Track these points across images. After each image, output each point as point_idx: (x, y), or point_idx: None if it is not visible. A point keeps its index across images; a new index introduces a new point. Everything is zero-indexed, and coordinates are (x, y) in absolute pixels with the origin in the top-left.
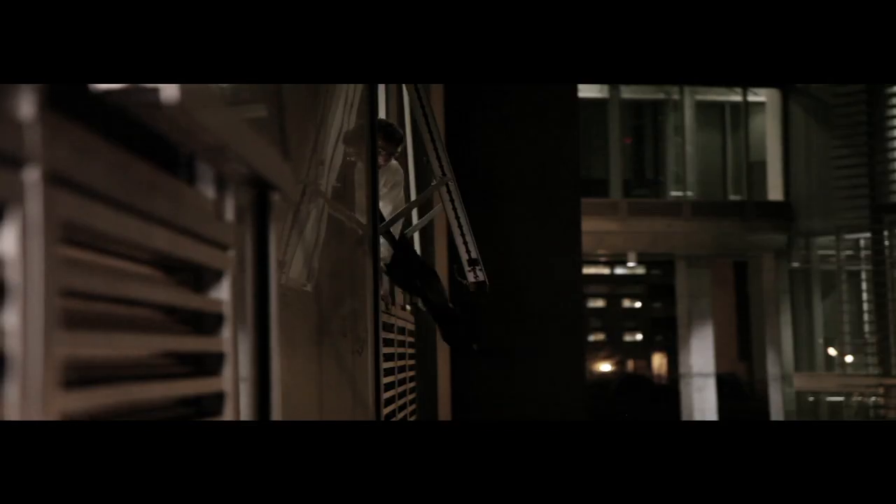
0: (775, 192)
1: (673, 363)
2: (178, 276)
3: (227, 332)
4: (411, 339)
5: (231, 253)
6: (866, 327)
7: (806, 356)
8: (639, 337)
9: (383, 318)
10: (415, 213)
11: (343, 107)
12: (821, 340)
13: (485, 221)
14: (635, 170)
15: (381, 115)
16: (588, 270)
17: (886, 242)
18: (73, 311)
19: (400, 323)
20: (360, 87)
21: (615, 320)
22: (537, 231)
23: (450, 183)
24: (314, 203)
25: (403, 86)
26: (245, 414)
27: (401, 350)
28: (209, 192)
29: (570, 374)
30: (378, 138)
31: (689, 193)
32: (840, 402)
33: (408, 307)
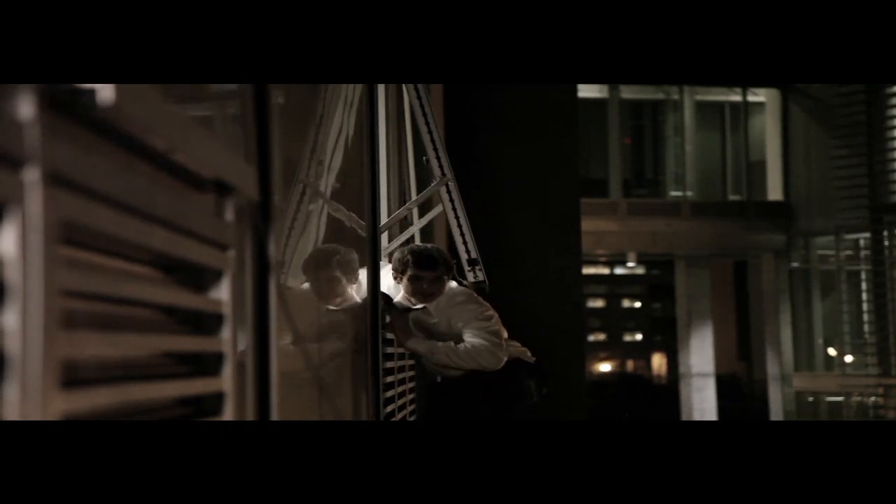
0: (775, 192)
1: (672, 363)
2: (177, 276)
3: (226, 333)
4: None
5: (231, 253)
6: (866, 327)
7: (805, 356)
8: (638, 337)
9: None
10: (415, 212)
11: (343, 107)
12: (820, 340)
13: (484, 221)
14: (635, 170)
15: (381, 115)
16: (588, 270)
17: (886, 242)
18: (73, 311)
19: None
20: (359, 86)
21: (615, 320)
22: (537, 231)
23: (449, 183)
24: (314, 203)
25: (403, 86)
26: (245, 414)
27: (401, 350)
28: (209, 191)
29: (569, 373)
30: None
31: (689, 193)
32: (840, 402)
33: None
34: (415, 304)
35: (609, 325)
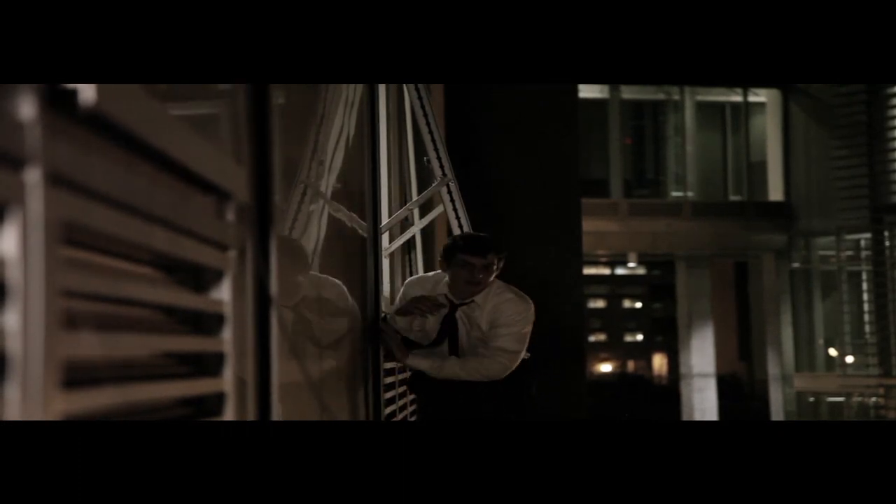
0: (776, 192)
1: (673, 363)
2: (178, 276)
3: (227, 333)
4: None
5: (231, 253)
6: (867, 328)
7: (806, 356)
8: (639, 337)
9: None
10: (416, 213)
11: (343, 107)
12: (821, 341)
13: (485, 221)
14: (636, 170)
15: (382, 115)
16: (588, 271)
17: (887, 243)
18: (73, 311)
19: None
20: (359, 86)
21: (616, 320)
22: (537, 231)
23: (450, 183)
24: (314, 203)
25: (404, 86)
26: (245, 414)
27: None
28: (209, 192)
29: (570, 374)
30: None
31: (690, 194)
32: (840, 402)
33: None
34: (457, 300)
35: (610, 325)
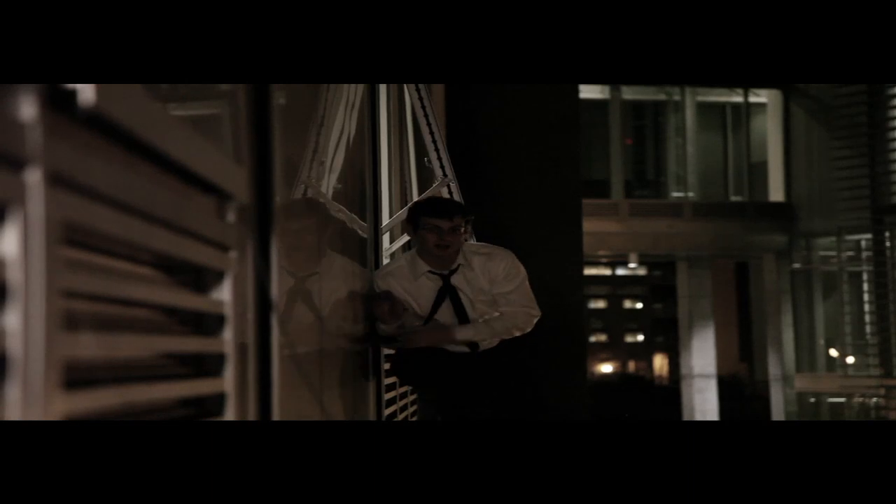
0: (776, 192)
1: (674, 364)
2: (179, 276)
3: (228, 333)
4: None
5: (232, 254)
6: (867, 328)
7: (807, 357)
8: (640, 338)
9: None
10: None
11: (344, 107)
12: (822, 341)
13: (485, 222)
14: (636, 170)
15: (383, 115)
16: (589, 271)
17: (888, 243)
18: (74, 311)
19: None
20: (360, 87)
21: (616, 321)
22: (538, 232)
23: (451, 183)
24: (315, 204)
25: (405, 86)
26: (246, 414)
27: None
28: (210, 193)
29: (571, 374)
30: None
31: (691, 194)
32: (841, 402)
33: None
34: (443, 271)
35: (611, 326)
